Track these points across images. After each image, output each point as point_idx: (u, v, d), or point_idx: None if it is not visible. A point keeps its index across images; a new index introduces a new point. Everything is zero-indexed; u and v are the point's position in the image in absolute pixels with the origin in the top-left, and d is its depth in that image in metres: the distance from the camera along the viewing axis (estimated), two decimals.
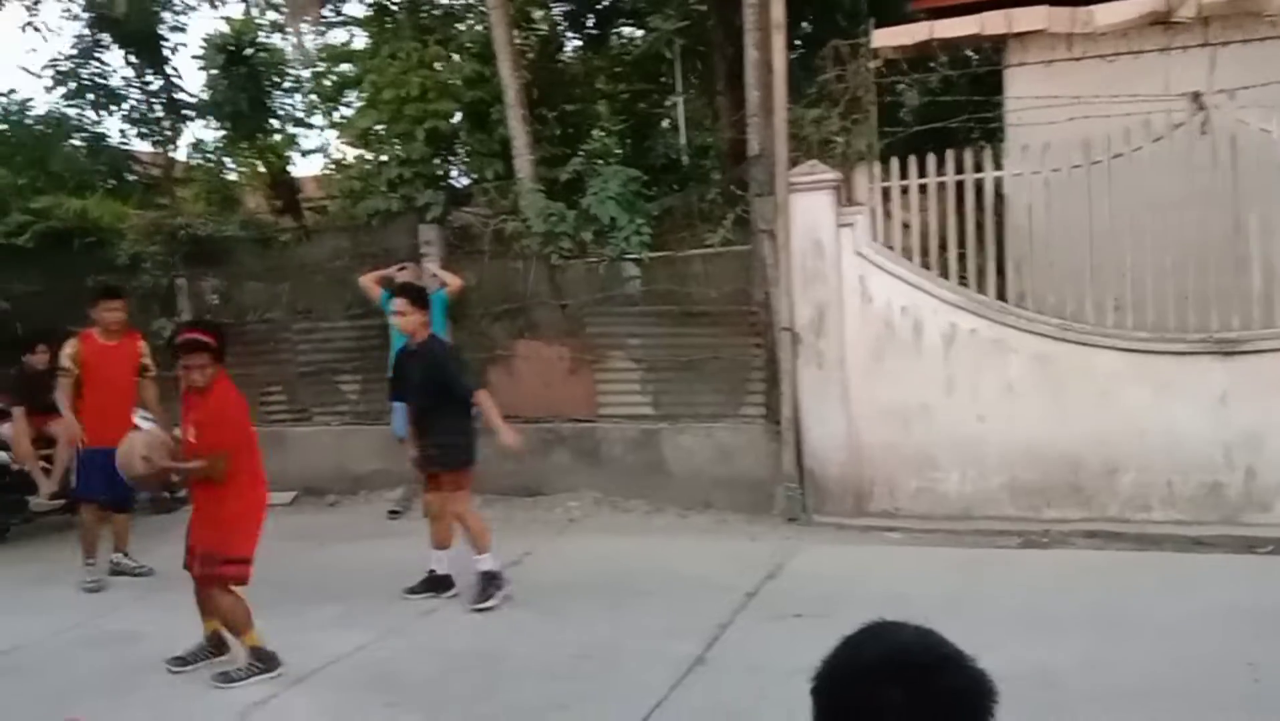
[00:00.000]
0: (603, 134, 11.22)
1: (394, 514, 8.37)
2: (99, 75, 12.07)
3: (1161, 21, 6.96)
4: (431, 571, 6.15)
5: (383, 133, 9.97)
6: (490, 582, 5.89)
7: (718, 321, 8.03)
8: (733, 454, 7.89)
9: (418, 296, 6.20)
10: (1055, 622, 5.11)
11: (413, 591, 6.09)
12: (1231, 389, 6.55)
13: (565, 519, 7.92)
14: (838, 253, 7.37)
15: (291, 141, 13.00)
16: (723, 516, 7.67)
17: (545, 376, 8.46)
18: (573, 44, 12.11)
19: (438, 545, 6.15)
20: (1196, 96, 6.69)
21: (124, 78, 12.29)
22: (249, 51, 11.74)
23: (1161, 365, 6.72)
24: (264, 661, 4.90)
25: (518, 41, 9.93)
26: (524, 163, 8.96)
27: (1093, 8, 7.06)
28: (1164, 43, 7.05)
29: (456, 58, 10.10)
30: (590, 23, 11.95)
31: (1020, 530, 6.83)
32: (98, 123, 12.15)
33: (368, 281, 8.47)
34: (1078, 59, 7.24)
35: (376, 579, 6.35)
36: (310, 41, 12.21)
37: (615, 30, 12.19)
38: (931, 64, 8.59)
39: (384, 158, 9.80)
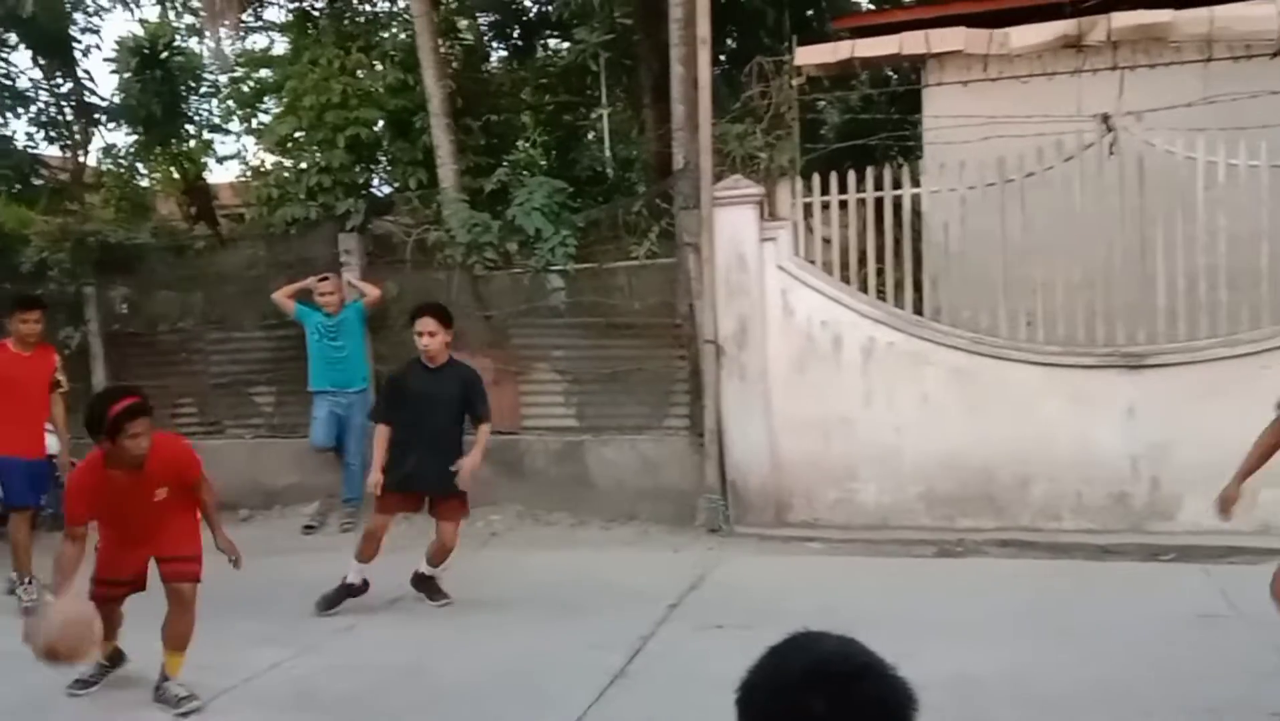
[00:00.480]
0: (528, 145, 11.19)
1: (309, 528, 8.19)
2: (5, 76, 11.66)
3: (1073, 44, 7.18)
4: (344, 580, 6.00)
5: (302, 140, 9.81)
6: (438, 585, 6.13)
7: (642, 334, 8.04)
8: (656, 466, 7.89)
9: (447, 316, 5.97)
10: (973, 631, 5.20)
11: (328, 605, 5.96)
12: (1138, 401, 6.76)
13: (487, 532, 7.83)
14: (760, 266, 7.44)
15: (207, 147, 12.73)
16: (646, 528, 7.66)
17: None
18: (498, 54, 12.09)
19: (363, 559, 5.99)
20: (1106, 118, 6.92)
21: (32, 79, 11.92)
22: (164, 55, 11.46)
23: (1071, 378, 6.91)
24: None
25: (442, 50, 9.86)
26: (448, 172, 8.89)
27: (1008, 30, 7.26)
28: (1076, 65, 7.28)
29: (380, 65, 9.99)
30: (516, 34, 11.93)
31: (935, 539, 6.95)
32: (3, 125, 11.73)
33: (281, 297, 8.28)
34: (993, 79, 7.44)
35: (292, 595, 6.18)
36: (229, 46, 11.96)
37: (541, 42, 12.19)
38: (852, 82, 8.75)
39: (303, 165, 9.63)
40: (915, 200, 7.40)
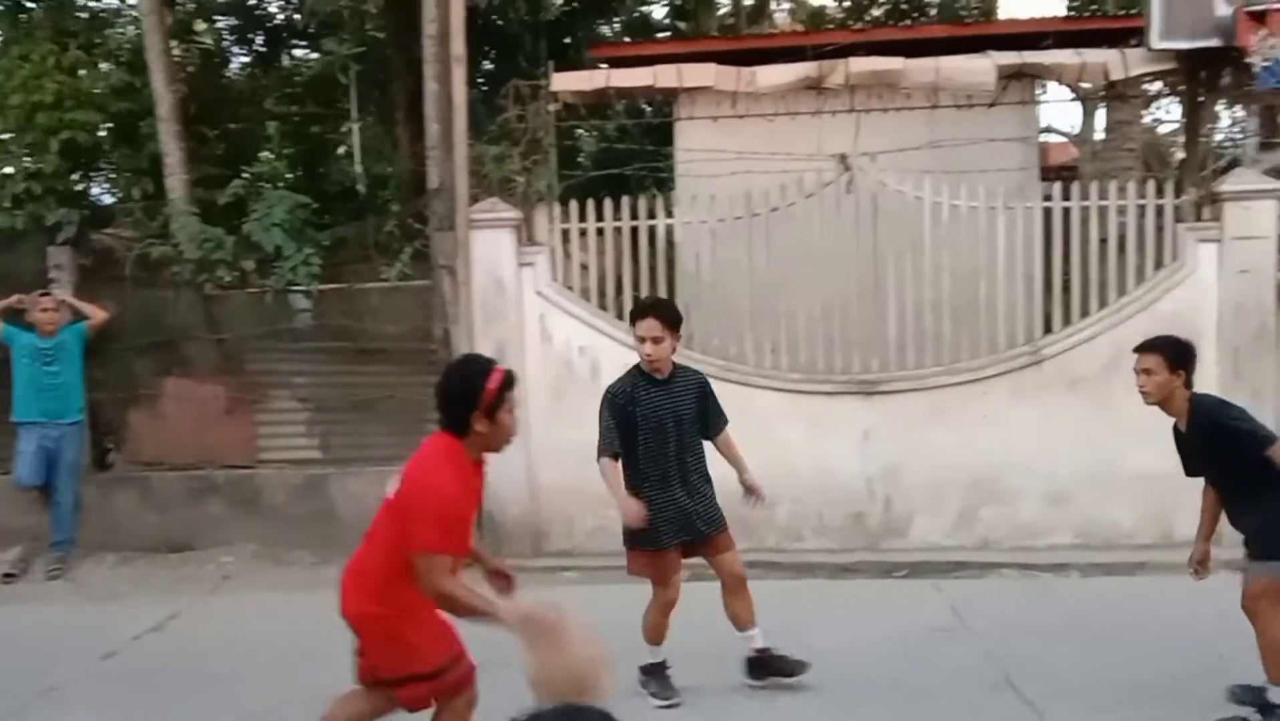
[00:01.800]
0: (272, 157, 10.58)
1: (9, 577, 7.27)
2: None
3: (815, 86, 7.54)
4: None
5: (9, 142, 8.81)
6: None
7: (394, 359, 7.71)
8: None
9: (675, 316, 4.86)
10: (722, 653, 5.25)
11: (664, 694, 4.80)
12: (872, 426, 7.14)
13: (218, 576, 7.22)
14: (519, 291, 7.33)
15: None
16: None
17: (198, 418, 7.72)
18: (240, 61, 11.39)
19: (656, 641, 4.90)
20: (843, 158, 7.30)
21: None
22: None
23: (812, 404, 7.21)
24: None
25: (176, 54, 9.16)
26: (177, 182, 8.22)
27: (755, 69, 7.53)
28: (817, 106, 7.65)
29: (105, 65, 9.16)
30: (259, 40, 11.28)
31: (687, 563, 7.01)
32: None
33: None
34: (741, 117, 7.69)
35: None
36: None
37: (287, 50, 11.59)
38: (608, 112, 8.84)
39: (9, 170, 8.64)
40: (669, 230, 7.53)
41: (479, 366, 3.47)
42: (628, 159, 8.23)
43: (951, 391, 7.13)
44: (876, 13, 15.31)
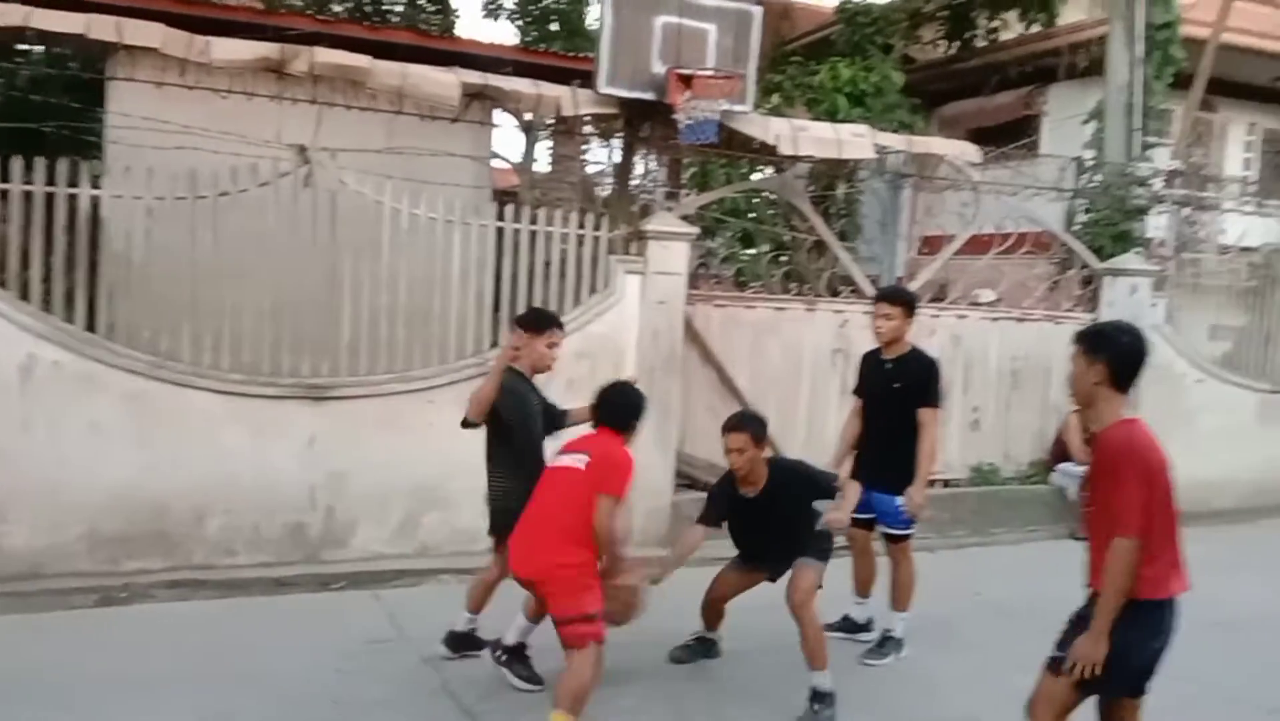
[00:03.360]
0: None
1: None
2: None
3: (276, 70, 7.12)
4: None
5: None
6: None
7: None
8: None
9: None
10: (144, 686, 4.71)
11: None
12: (319, 432, 6.86)
13: None
14: None
15: None
16: None
17: None
18: None
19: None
20: (303, 150, 6.96)
21: None
22: None
23: (255, 408, 6.74)
24: None
25: None
26: None
27: (210, 39, 6.91)
28: (278, 91, 7.23)
29: None
30: None
31: (98, 586, 6.18)
32: None
33: None
34: (190, 88, 7.02)
35: None
36: None
37: None
38: (21, 57, 7.58)
39: None
40: (94, 203, 6.59)
41: (637, 389, 4.82)
42: (44, 114, 7.06)
43: (401, 399, 7.10)
44: (338, 9, 15.00)
